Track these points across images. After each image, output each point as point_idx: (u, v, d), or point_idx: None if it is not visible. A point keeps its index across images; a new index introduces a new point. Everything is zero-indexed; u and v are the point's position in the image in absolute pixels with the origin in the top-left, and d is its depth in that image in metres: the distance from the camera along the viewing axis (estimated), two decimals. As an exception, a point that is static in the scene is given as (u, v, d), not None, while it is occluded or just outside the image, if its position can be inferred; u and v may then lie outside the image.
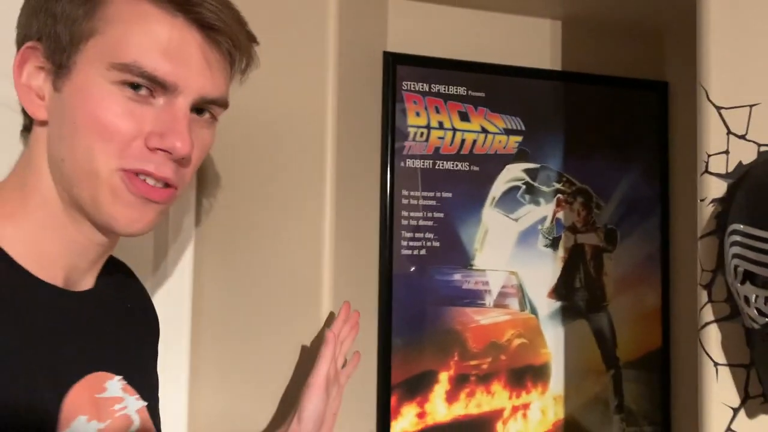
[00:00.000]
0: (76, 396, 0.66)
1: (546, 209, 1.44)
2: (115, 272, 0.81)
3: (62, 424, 0.64)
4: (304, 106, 1.19)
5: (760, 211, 0.80)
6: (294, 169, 1.18)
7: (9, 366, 0.61)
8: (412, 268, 1.34)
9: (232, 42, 0.71)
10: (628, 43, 1.50)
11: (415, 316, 1.34)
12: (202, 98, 0.70)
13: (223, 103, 0.74)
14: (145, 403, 0.76)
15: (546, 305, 1.43)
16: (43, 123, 0.69)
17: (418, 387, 1.33)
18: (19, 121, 0.75)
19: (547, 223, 1.44)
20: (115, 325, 0.77)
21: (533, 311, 1.41)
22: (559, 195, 1.45)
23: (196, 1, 0.67)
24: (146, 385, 0.79)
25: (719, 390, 0.89)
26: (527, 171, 1.43)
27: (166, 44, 0.66)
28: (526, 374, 1.40)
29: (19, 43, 0.70)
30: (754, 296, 0.81)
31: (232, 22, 0.70)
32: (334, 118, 1.18)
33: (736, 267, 0.83)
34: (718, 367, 0.89)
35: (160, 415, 0.83)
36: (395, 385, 1.31)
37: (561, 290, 1.44)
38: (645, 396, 1.48)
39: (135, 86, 0.66)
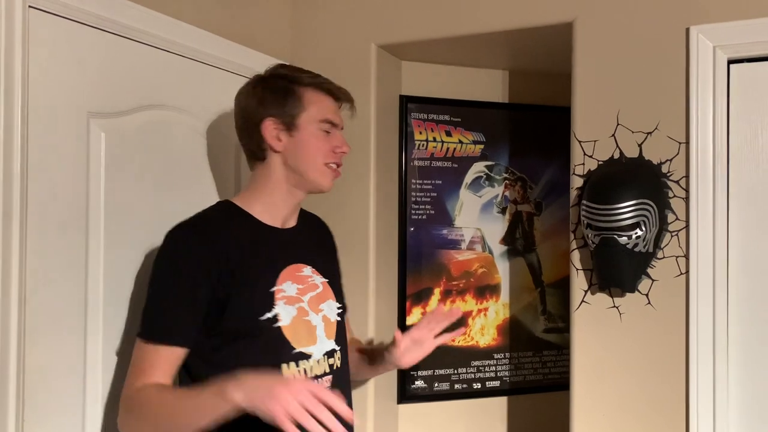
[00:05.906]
0: (286, 273, 1.45)
1: (498, 190, 2.31)
2: (308, 219, 1.61)
3: (278, 284, 1.43)
4: (360, 127, 2.01)
5: (592, 194, 1.67)
6: (352, 164, 2.01)
7: (256, 261, 1.41)
8: (416, 227, 2.20)
9: (348, 105, 1.54)
10: (549, 83, 2.31)
11: (420, 255, 2.21)
12: (341, 127, 1.51)
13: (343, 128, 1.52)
14: (327, 279, 1.53)
15: (498, 248, 2.30)
16: (278, 152, 1.44)
17: (422, 297, 2.21)
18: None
19: (499, 198, 2.31)
20: (306, 242, 1.57)
21: (490, 252, 2.29)
22: (506, 181, 2.32)
23: (335, 91, 1.49)
24: (328, 271, 1.55)
25: (579, 282, 1.76)
26: (487, 166, 2.30)
27: (331, 109, 1.47)
28: (486, 290, 2.28)
29: (259, 118, 1.42)
30: (590, 234, 1.69)
31: (346, 96, 1.52)
32: (375, 134, 2.03)
33: (583, 220, 1.70)
34: (578, 270, 1.78)
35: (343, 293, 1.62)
36: (409, 295, 2.18)
37: (507, 239, 2.32)
38: (560, 304, 2.36)
39: (326, 130, 1.45)
